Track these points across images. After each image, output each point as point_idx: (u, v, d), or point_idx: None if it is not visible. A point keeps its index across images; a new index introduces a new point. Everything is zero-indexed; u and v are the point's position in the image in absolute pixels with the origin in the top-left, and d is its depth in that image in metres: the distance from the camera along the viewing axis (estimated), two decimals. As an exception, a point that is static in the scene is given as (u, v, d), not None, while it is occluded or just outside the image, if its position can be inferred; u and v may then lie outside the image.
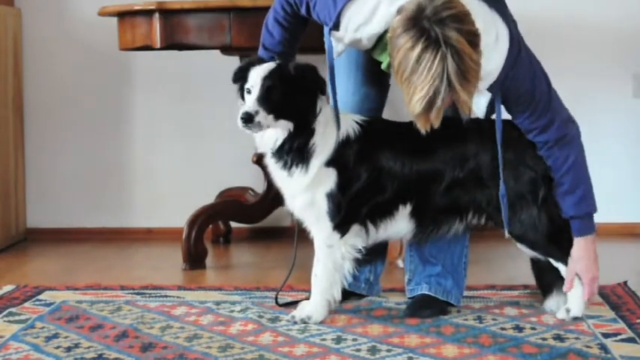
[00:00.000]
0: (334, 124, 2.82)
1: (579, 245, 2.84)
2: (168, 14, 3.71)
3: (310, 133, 2.79)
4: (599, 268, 2.86)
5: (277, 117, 2.75)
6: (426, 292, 3.02)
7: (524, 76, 2.72)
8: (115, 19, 3.96)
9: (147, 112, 4.66)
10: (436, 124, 2.55)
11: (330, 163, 2.81)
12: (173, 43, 3.74)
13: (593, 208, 2.84)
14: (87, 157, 4.68)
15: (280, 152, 2.81)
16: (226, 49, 3.92)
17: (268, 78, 2.75)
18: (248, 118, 2.69)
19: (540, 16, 4.50)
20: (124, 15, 3.86)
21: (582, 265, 2.83)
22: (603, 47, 4.51)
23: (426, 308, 2.95)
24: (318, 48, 3.09)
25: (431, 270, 3.05)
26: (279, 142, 2.79)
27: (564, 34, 4.54)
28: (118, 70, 4.64)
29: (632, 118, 4.54)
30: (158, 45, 3.74)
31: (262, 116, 2.72)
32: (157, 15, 3.71)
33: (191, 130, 4.65)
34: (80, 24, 4.61)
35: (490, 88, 2.70)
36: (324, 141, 2.81)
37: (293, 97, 2.75)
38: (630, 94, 4.53)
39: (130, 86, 4.66)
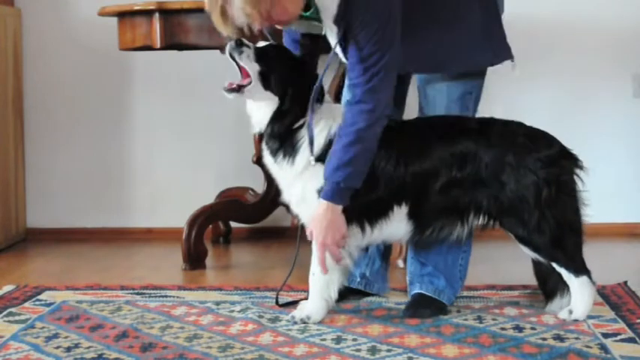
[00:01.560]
0: (331, 121, 2.83)
1: (318, 207, 2.80)
2: (168, 14, 3.71)
3: (297, 123, 2.82)
4: (333, 236, 2.79)
5: (263, 78, 2.81)
6: (419, 291, 3.03)
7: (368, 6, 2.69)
8: (115, 19, 3.96)
9: (147, 112, 4.66)
10: (222, 30, 2.70)
11: (319, 158, 2.82)
12: (173, 43, 3.74)
13: (347, 182, 2.75)
14: (87, 157, 4.68)
15: (268, 136, 2.85)
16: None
17: (270, 46, 2.86)
18: (239, 42, 2.80)
19: (540, 17, 4.51)
20: (124, 15, 3.86)
21: (313, 228, 2.82)
22: (603, 48, 4.51)
23: (425, 308, 2.95)
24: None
25: (424, 270, 3.06)
26: (265, 121, 2.84)
27: (564, 34, 4.54)
28: (118, 70, 4.64)
29: (632, 118, 4.54)
30: (158, 45, 3.74)
31: (248, 53, 2.81)
32: (156, 15, 3.71)
33: (191, 130, 4.65)
34: (80, 24, 4.62)
35: (336, 22, 2.72)
36: (314, 137, 2.82)
37: (283, 74, 2.81)
38: (630, 94, 4.53)
39: (130, 86, 4.66)
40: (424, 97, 3.03)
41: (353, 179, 2.76)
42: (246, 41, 2.83)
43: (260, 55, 2.83)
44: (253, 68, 2.82)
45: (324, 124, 2.83)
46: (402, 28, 2.76)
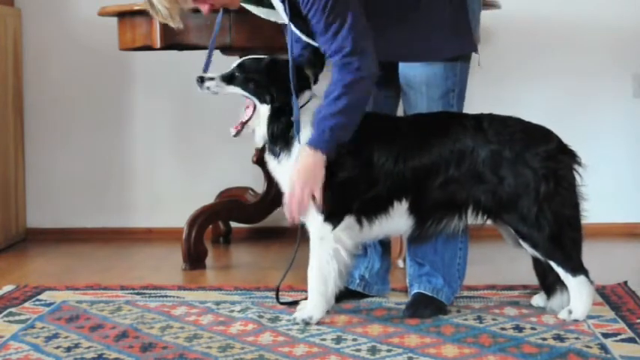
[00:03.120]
0: (318, 102, 2.85)
1: (302, 156, 2.77)
2: (168, 14, 3.70)
3: (291, 119, 2.84)
4: (311, 188, 2.75)
5: (254, 91, 2.84)
6: (418, 291, 3.03)
7: None
8: (115, 19, 3.96)
9: (147, 112, 4.67)
10: (171, 24, 2.81)
11: None
12: (173, 43, 3.74)
13: (335, 130, 2.73)
14: (87, 157, 4.69)
15: (270, 140, 2.87)
16: (226, 49, 3.92)
17: (241, 64, 2.89)
18: (199, 79, 2.85)
19: (540, 17, 4.51)
20: (124, 15, 3.86)
21: (295, 175, 2.77)
22: (603, 47, 4.51)
23: (424, 307, 2.95)
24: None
25: (422, 270, 3.06)
26: (264, 129, 2.86)
27: (564, 34, 4.54)
28: (118, 70, 4.64)
29: (632, 118, 4.54)
30: (158, 45, 3.73)
31: (214, 84, 2.85)
32: (156, 15, 3.70)
33: (191, 130, 4.66)
34: (80, 24, 4.62)
35: (282, 1, 2.74)
36: (307, 129, 2.82)
37: (264, 83, 2.84)
38: (630, 94, 4.53)
39: (130, 86, 4.66)
40: (406, 100, 3.03)
41: (341, 130, 2.74)
42: (207, 75, 2.86)
43: (228, 77, 2.87)
44: (233, 90, 2.86)
45: (312, 111, 2.84)
46: (370, 21, 2.77)
